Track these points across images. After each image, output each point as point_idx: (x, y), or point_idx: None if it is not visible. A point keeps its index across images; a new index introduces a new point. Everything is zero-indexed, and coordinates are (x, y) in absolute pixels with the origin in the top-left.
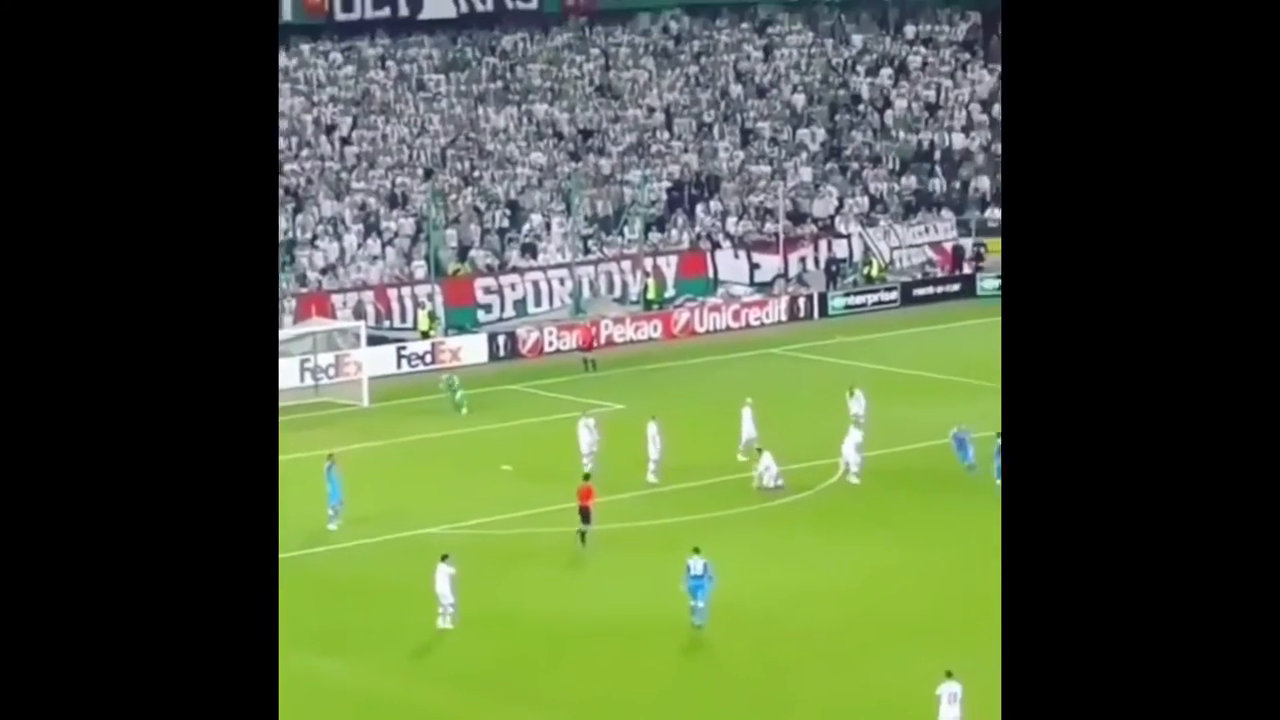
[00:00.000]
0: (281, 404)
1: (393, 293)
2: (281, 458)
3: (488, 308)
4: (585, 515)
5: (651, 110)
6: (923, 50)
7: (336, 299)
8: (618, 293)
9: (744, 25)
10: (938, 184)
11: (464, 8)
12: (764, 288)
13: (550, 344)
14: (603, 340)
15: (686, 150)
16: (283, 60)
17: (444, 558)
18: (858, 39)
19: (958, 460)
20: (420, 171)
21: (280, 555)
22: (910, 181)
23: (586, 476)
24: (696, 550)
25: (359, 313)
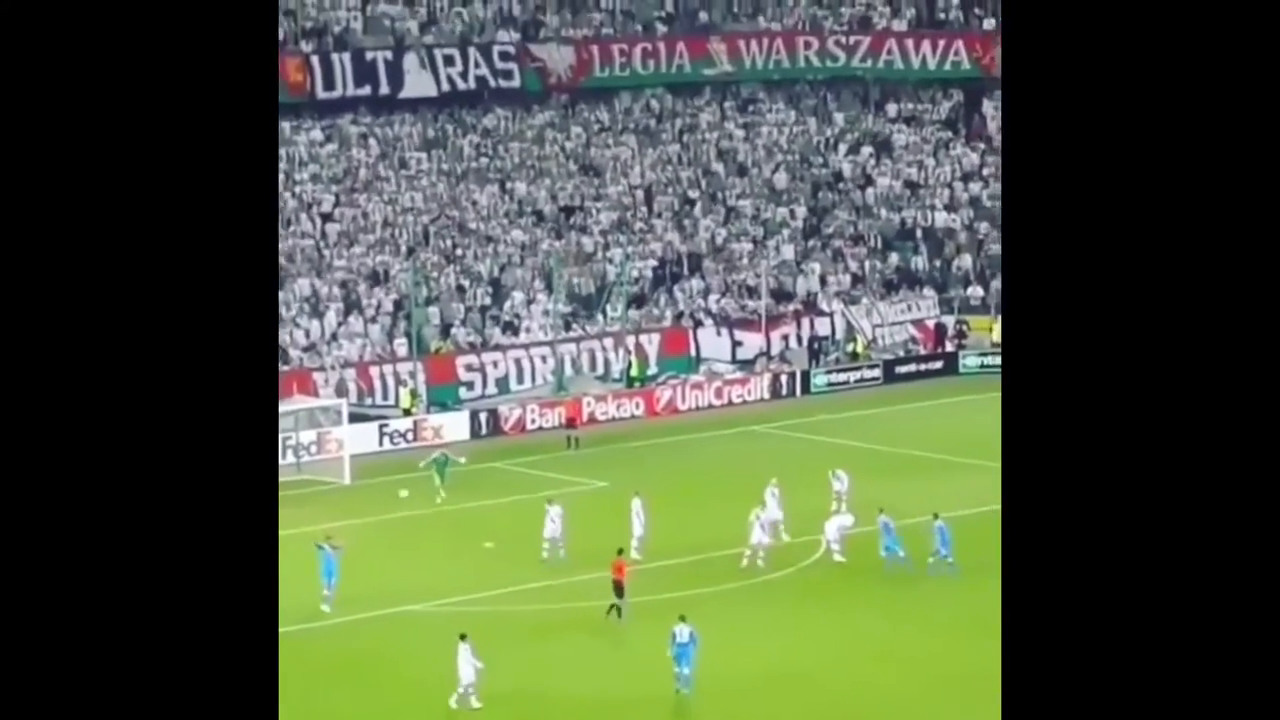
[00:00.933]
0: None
1: (375, 370)
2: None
3: (470, 385)
4: (619, 589)
5: (633, 188)
6: (905, 128)
7: (318, 376)
8: (600, 370)
9: (726, 103)
10: (920, 262)
11: (446, 86)
12: (746, 365)
13: (533, 421)
14: (585, 418)
15: (668, 228)
16: None
17: (462, 637)
18: (839, 117)
19: (883, 547)
20: (402, 249)
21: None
22: (893, 259)
23: (620, 551)
24: (683, 618)
25: (341, 390)
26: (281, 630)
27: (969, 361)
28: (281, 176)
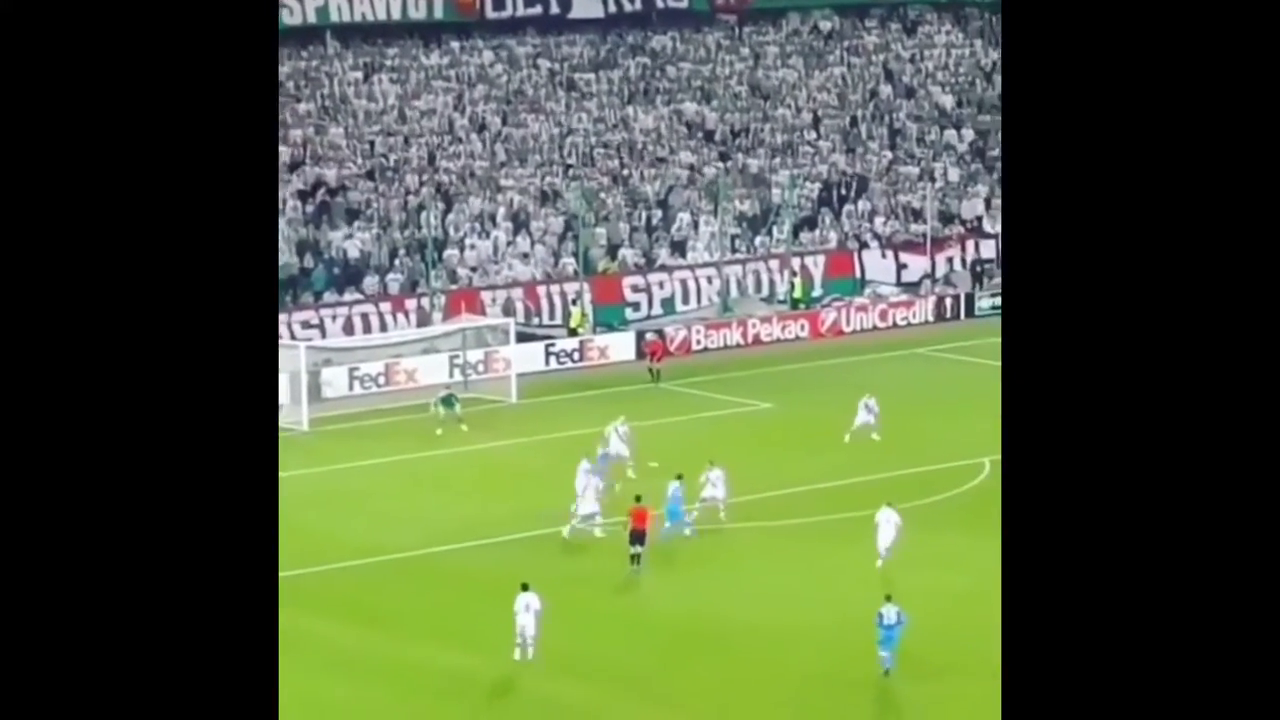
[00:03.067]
0: (432, 399)
1: (542, 290)
2: (431, 453)
3: (635, 305)
4: (638, 538)
5: (800, 110)
6: None
7: (486, 296)
8: (765, 292)
9: (893, 25)
10: None
11: (613, 7)
12: (911, 288)
13: (698, 342)
14: (749, 339)
15: (835, 150)
16: (434, 58)
17: (524, 587)
18: None
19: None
20: (569, 169)
21: (428, 550)
22: None
23: (638, 498)
24: (888, 598)
25: (508, 310)
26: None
27: None
28: (452, 97)
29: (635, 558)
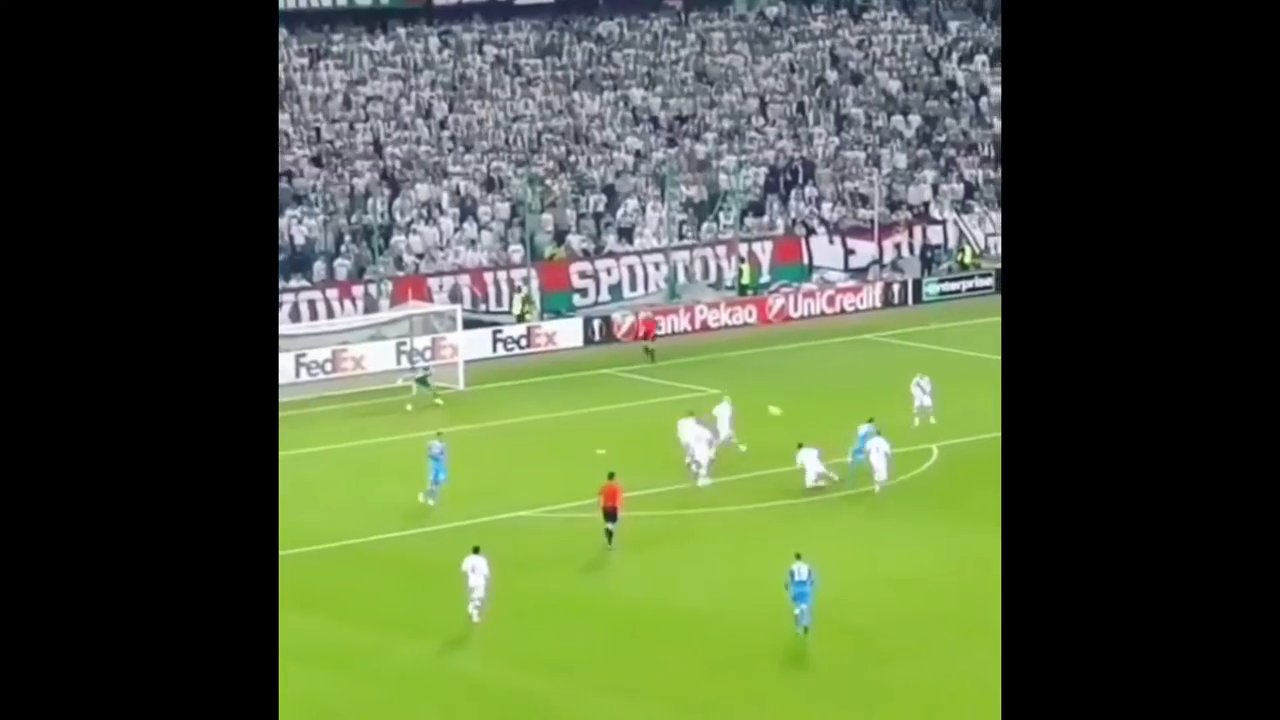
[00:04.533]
0: (378, 387)
1: (489, 277)
2: (376, 440)
3: (583, 292)
4: (611, 515)
5: (747, 96)
6: None
7: (433, 283)
8: (713, 278)
9: (840, 11)
10: None
11: None
12: (859, 274)
13: (656, 327)
14: (697, 325)
15: (781, 137)
16: (380, 44)
17: (475, 550)
18: (953, 25)
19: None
20: (516, 156)
21: (373, 537)
22: None
23: (611, 475)
24: (798, 556)
25: (455, 296)
26: (393, 534)
27: None
28: (399, 83)
29: (609, 534)
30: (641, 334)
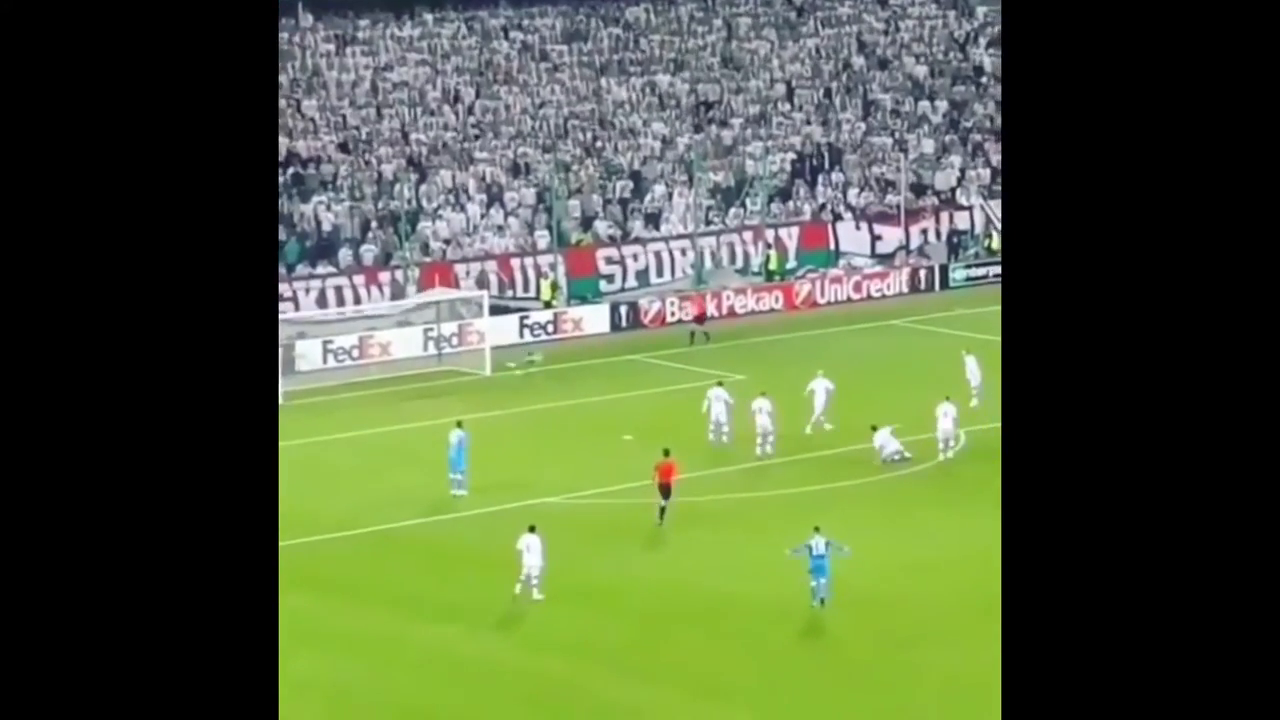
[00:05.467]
0: (404, 373)
1: (516, 263)
2: (404, 426)
3: (610, 278)
4: (665, 491)
5: (774, 82)
6: None
7: (460, 269)
8: (739, 264)
9: None
10: None
11: None
12: (885, 259)
13: (672, 314)
14: (724, 311)
15: (809, 122)
16: (406, 30)
17: (531, 529)
18: (980, 10)
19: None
20: (543, 142)
21: (397, 524)
22: None
23: (666, 452)
24: (817, 529)
25: (482, 282)
26: (416, 520)
27: None
28: (426, 69)
29: (662, 511)
30: (694, 316)
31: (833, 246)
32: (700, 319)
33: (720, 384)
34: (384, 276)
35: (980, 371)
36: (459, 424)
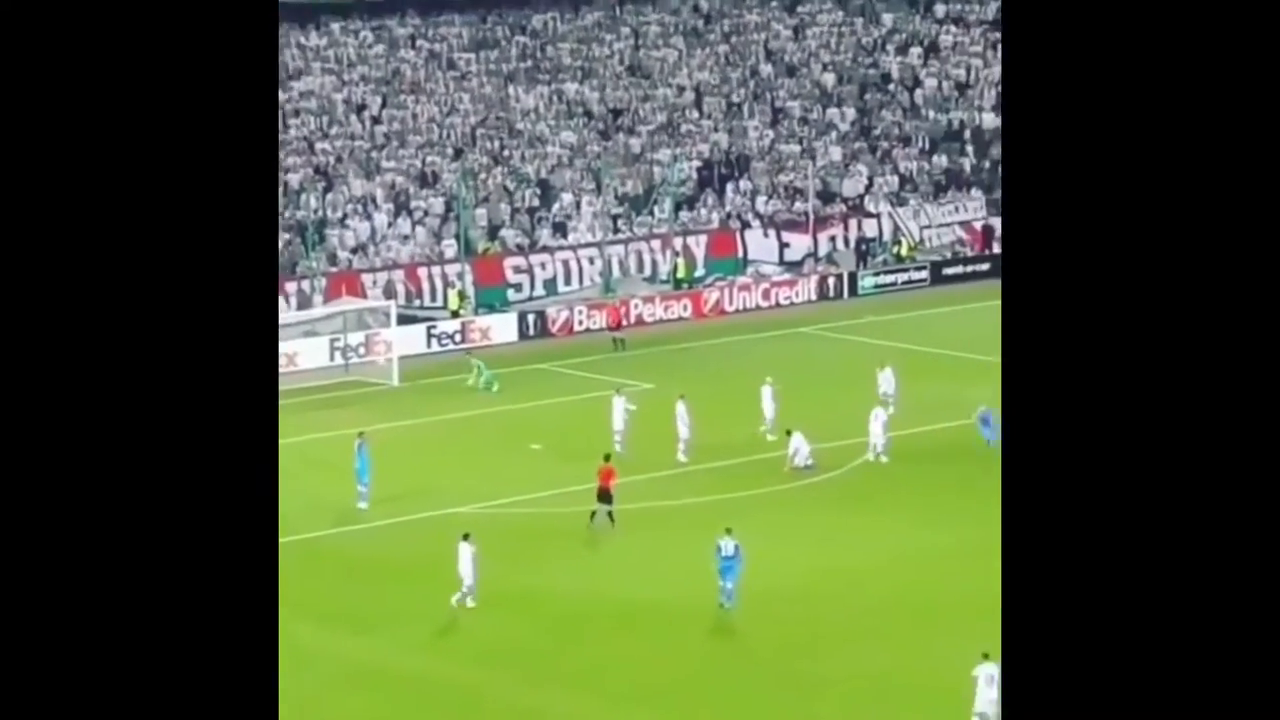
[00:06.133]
0: (311, 383)
1: (423, 272)
2: (311, 436)
3: (518, 287)
4: (605, 496)
5: (681, 89)
6: (953, 29)
7: (367, 278)
8: (648, 272)
9: (774, 4)
10: (967, 163)
11: None
12: (794, 267)
13: (580, 323)
14: (632, 319)
15: (716, 129)
16: (313, 39)
17: (465, 537)
18: (888, 18)
19: (983, 439)
20: (450, 150)
21: (309, 535)
22: (940, 160)
23: (608, 457)
24: (728, 530)
25: (389, 292)
26: (329, 531)
27: None
28: (331, 78)
29: (609, 515)
30: (610, 324)
31: (741, 254)
32: (615, 326)
33: (618, 391)
34: (290, 286)
35: (895, 380)
36: (360, 434)
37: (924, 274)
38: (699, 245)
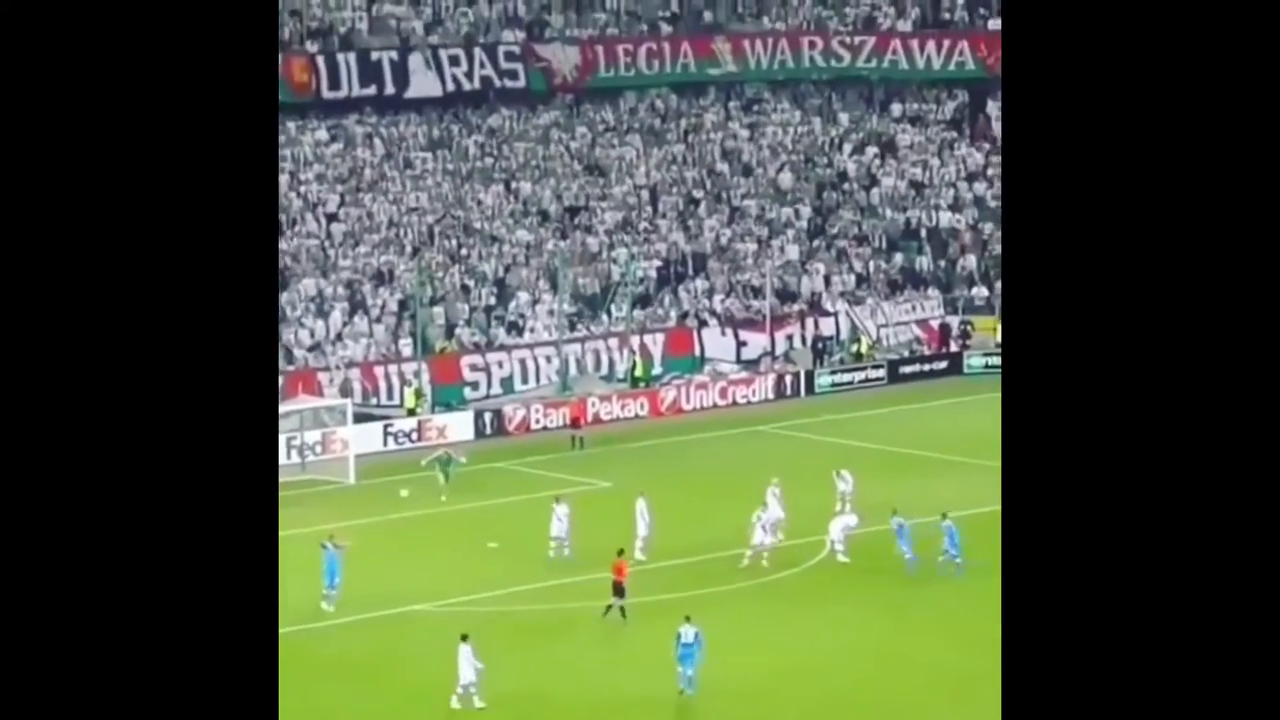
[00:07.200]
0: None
1: (379, 370)
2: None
3: (474, 385)
4: (619, 590)
5: (638, 187)
6: (909, 128)
7: (323, 376)
8: (604, 370)
9: (731, 103)
10: (924, 262)
11: (450, 86)
12: (751, 365)
13: (537, 421)
14: (589, 418)
15: (673, 228)
16: None
17: (464, 637)
18: (844, 117)
19: (898, 550)
20: (407, 248)
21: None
22: (897, 259)
23: (620, 552)
24: (688, 618)
25: (345, 390)
26: (285, 630)
27: (973, 362)
28: (286, 176)
29: (620, 609)
30: (571, 421)
31: (698, 352)
32: (576, 423)
33: (558, 499)
34: None
35: (853, 479)
36: (331, 538)
37: (881, 372)
38: (656, 344)
